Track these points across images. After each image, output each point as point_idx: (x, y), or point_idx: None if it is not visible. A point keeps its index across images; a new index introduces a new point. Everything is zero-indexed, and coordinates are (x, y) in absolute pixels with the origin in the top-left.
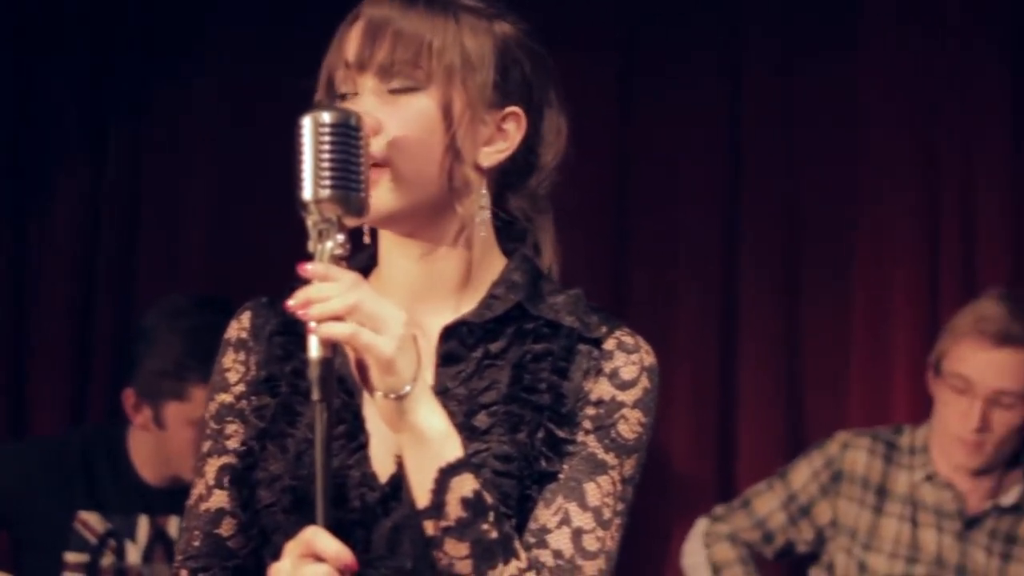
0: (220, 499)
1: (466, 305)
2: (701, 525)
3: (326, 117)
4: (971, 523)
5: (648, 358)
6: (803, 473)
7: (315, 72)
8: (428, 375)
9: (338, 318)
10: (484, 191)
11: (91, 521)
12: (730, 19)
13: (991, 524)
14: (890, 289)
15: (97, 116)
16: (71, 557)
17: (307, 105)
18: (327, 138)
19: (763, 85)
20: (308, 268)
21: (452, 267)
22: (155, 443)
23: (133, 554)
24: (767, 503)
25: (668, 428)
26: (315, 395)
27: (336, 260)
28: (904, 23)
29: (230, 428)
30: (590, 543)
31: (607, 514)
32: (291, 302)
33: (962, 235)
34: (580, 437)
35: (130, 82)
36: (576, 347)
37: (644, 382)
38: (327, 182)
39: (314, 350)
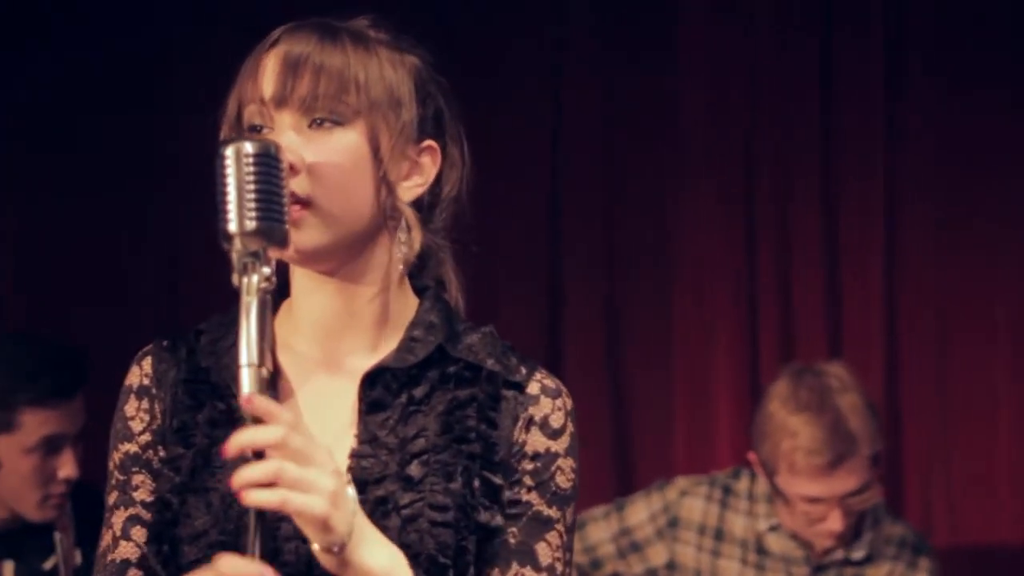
0: (127, 550)
1: (383, 344)
2: None
3: (249, 148)
4: (819, 569)
5: (569, 401)
6: (640, 513)
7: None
8: (353, 424)
9: (269, 484)
10: (409, 235)
11: None
12: None
13: (838, 571)
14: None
15: None
16: None
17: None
18: (251, 168)
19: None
20: (252, 401)
21: (370, 305)
22: None
23: None
24: (600, 531)
25: None
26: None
27: (262, 293)
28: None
29: (137, 479)
30: None
31: (559, 568)
32: (227, 446)
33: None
34: (523, 495)
35: None
36: (499, 392)
37: (570, 427)
38: (253, 214)
39: (247, 386)
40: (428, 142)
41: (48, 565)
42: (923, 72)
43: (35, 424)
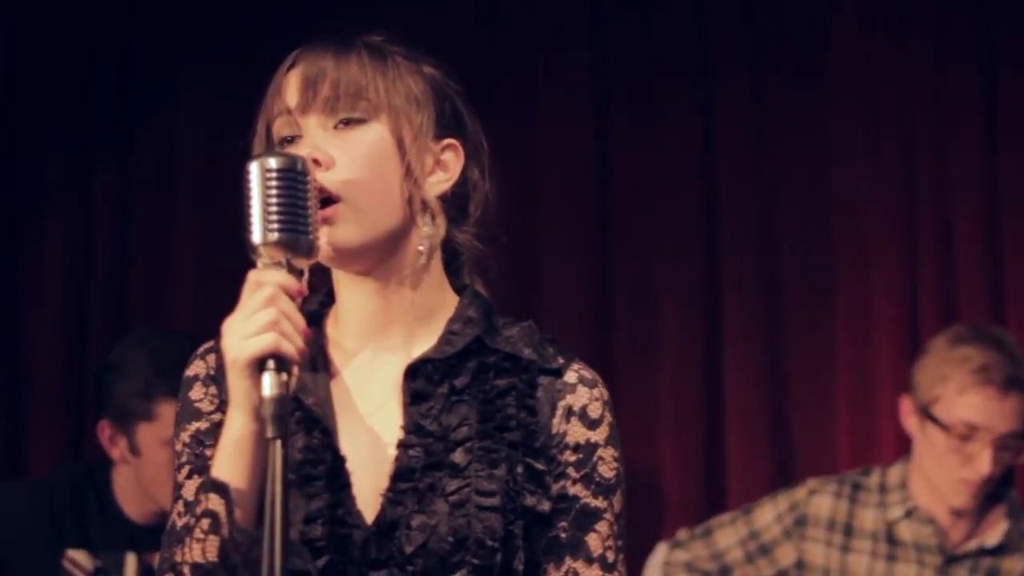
0: None
1: (422, 341)
2: (660, 552)
3: (272, 162)
4: (952, 560)
5: (605, 391)
6: (767, 514)
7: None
8: (398, 415)
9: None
10: (433, 223)
11: (79, 559)
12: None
13: (972, 562)
14: (871, 318)
15: (84, 158)
16: None
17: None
18: (274, 183)
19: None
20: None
21: (407, 303)
22: (134, 475)
23: None
24: (727, 537)
25: (655, 449)
26: (269, 432)
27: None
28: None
29: (210, 451)
30: None
31: (611, 557)
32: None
33: (938, 247)
34: (569, 489)
35: (115, 123)
36: (537, 380)
37: (608, 416)
38: (275, 226)
39: (268, 388)
40: (450, 140)
41: None
42: None
43: (172, 416)
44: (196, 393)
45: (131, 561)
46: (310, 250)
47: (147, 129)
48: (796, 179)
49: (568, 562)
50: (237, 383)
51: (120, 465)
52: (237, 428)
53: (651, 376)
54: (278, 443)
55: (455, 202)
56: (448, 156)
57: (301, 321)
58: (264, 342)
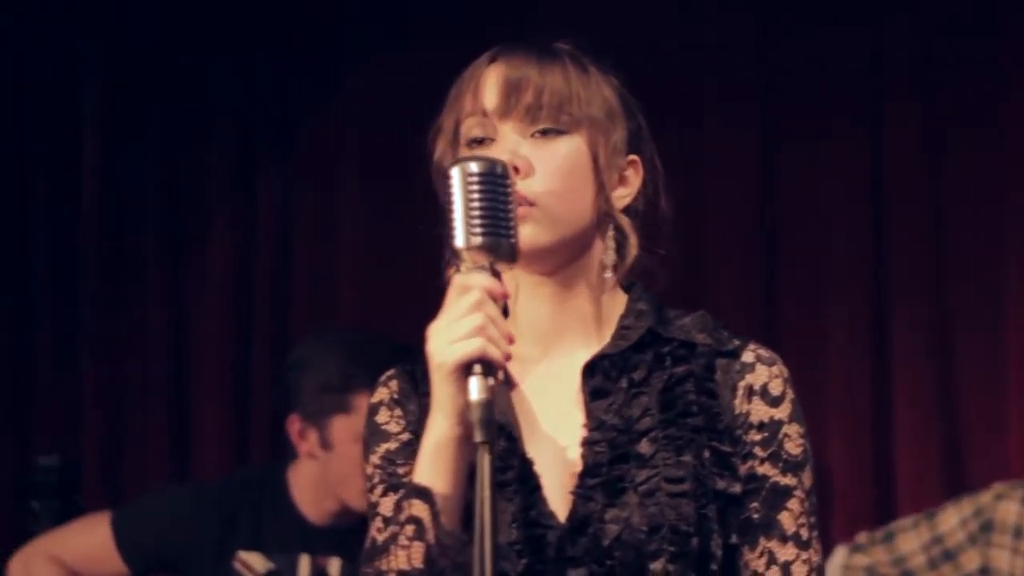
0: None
1: (598, 340)
2: (839, 556)
3: (473, 167)
4: None
5: (784, 369)
6: (951, 519)
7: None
8: (579, 414)
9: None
10: (624, 239)
11: (251, 561)
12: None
13: None
14: None
15: (248, 155)
16: None
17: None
18: (476, 187)
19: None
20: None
21: (584, 307)
22: (320, 472)
23: None
24: (910, 542)
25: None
26: (477, 437)
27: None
28: None
29: (403, 469)
30: (799, 570)
31: (805, 534)
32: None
33: None
34: (758, 469)
35: (278, 120)
36: (715, 363)
37: (790, 393)
38: (478, 230)
39: (475, 392)
40: (632, 156)
41: None
42: None
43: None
44: (382, 417)
45: (304, 563)
46: (512, 253)
47: (310, 129)
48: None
49: (762, 542)
50: (442, 387)
51: (304, 462)
52: (439, 433)
53: (819, 386)
54: (485, 447)
55: (634, 218)
56: (630, 172)
57: (506, 326)
58: (472, 346)
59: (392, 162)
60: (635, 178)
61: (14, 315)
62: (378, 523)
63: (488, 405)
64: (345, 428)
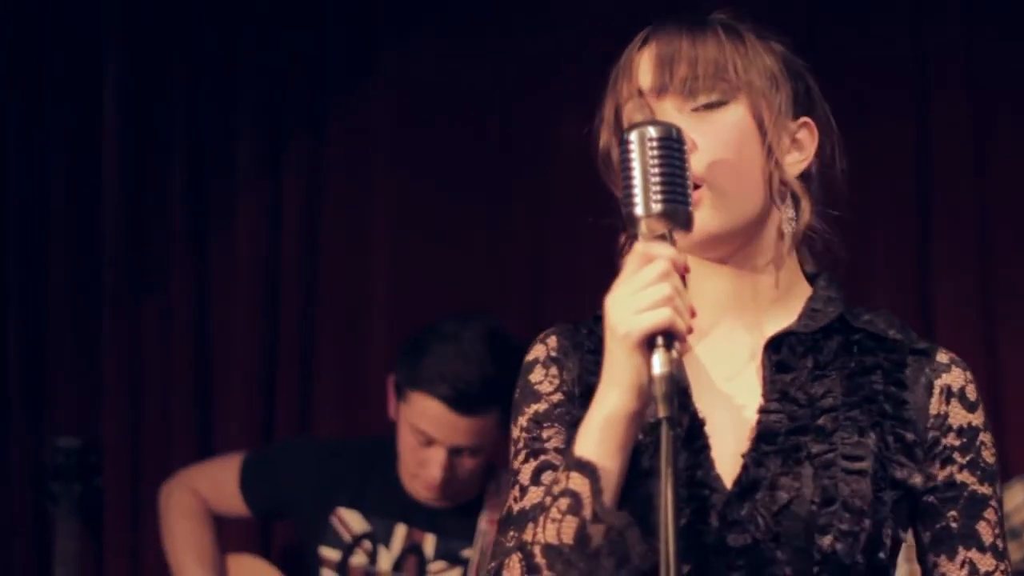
0: (536, 495)
1: (774, 321)
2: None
3: (652, 131)
4: None
5: (971, 374)
6: (1017, 496)
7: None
8: (756, 384)
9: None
10: (797, 206)
11: (349, 519)
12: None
13: None
14: None
15: (275, 136)
16: (325, 552)
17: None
18: (655, 152)
19: None
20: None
21: (763, 286)
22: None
23: (385, 560)
24: None
25: None
26: (661, 412)
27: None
28: None
29: (547, 432)
30: None
31: (1000, 544)
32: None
33: None
34: (956, 475)
35: (307, 101)
36: (906, 358)
37: (981, 400)
38: (658, 196)
39: (659, 366)
40: (804, 118)
41: (466, 553)
42: None
43: (415, 411)
44: (536, 375)
45: (400, 531)
46: (688, 221)
47: (340, 108)
48: None
49: (962, 552)
50: (625, 360)
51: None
52: (612, 406)
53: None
54: (668, 424)
55: (810, 183)
56: (803, 135)
57: (689, 299)
58: (660, 316)
59: (424, 144)
60: (809, 141)
61: (34, 295)
62: (515, 492)
63: (672, 379)
64: (403, 416)
